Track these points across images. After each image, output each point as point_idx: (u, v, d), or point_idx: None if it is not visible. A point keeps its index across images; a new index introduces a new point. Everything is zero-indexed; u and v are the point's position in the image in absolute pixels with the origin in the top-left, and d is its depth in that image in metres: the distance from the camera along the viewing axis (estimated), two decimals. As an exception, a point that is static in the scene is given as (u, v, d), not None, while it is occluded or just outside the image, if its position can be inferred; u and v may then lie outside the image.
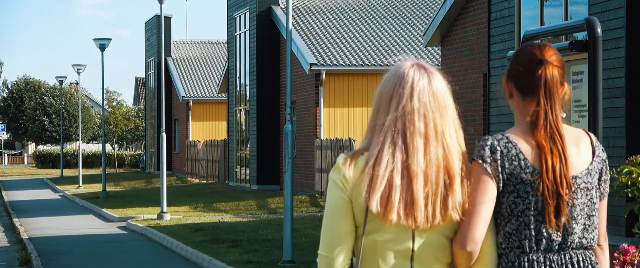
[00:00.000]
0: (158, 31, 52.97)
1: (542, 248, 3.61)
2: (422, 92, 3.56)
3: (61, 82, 57.11)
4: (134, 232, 23.41)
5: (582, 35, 5.80)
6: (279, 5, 35.96)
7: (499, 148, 3.62)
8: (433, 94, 3.57)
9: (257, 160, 35.84)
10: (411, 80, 3.57)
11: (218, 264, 15.70)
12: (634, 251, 5.85)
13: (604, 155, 3.75)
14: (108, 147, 78.99)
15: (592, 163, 3.68)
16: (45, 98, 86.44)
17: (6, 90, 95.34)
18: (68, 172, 65.18)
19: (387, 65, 33.06)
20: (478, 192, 3.56)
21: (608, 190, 3.78)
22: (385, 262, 3.55)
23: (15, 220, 26.84)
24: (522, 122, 3.71)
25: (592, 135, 3.78)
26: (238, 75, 39.04)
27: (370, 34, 35.45)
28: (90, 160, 78.57)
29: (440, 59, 25.79)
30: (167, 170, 35.84)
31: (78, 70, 49.07)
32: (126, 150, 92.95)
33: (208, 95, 53.02)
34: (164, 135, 26.28)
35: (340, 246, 3.55)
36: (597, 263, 3.71)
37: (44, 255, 18.34)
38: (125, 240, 21.46)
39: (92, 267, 17.06)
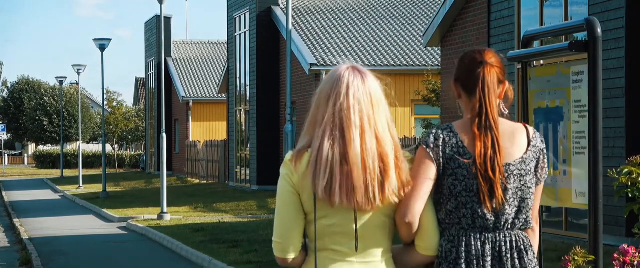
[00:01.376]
0: (158, 31, 52.97)
1: (478, 226, 4.11)
2: (356, 90, 4.02)
3: (61, 82, 57.09)
4: (134, 232, 23.41)
5: (581, 35, 5.78)
6: (279, 5, 35.95)
7: (441, 136, 4.13)
8: (366, 92, 4.03)
9: (257, 160, 35.83)
10: (346, 80, 4.04)
11: (218, 264, 15.70)
12: (634, 251, 5.84)
13: (542, 146, 4.22)
14: (108, 147, 78.98)
15: (526, 152, 4.17)
16: (45, 98, 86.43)
17: (6, 90, 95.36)
18: (68, 172, 65.17)
19: (387, 65, 33.06)
20: (419, 172, 4.08)
21: (545, 176, 4.25)
22: (333, 242, 4.06)
23: (15, 220, 26.84)
24: (467, 116, 4.20)
25: (531, 128, 4.26)
26: (238, 75, 39.03)
27: (370, 34, 35.44)
28: (90, 160, 78.55)
29: (440, 59, 25.78)
30: (167, 170, 35.88)
31: (78, 70, 49.05)
32: (126, 150, 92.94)
33: (208, 95, 53.01)
34: (164, 135, 26.27)
35: (290, 232, 4.06)
36: (530, 245, 4.17)
37: (44, 255, 18.33)
38: (125, 240, 21.46)
39: (92, 267, 17.06)
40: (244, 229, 20.93)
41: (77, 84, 59.73)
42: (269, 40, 36.07)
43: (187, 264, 17.02)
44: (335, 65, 32.49)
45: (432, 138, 4.13)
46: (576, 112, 5.69)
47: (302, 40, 34.10)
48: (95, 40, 37.85)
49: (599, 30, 5.45)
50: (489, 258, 4.11)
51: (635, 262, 5.81)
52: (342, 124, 4.00)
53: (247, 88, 37.69)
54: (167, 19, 53.67)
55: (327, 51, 33.57)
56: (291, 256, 4.10)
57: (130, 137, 77.16)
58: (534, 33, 6.16)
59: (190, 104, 53.00)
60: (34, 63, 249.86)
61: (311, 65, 32.22)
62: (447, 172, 4.11)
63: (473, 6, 21.70)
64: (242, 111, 38.76)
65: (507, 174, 4.11)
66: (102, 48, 37.76)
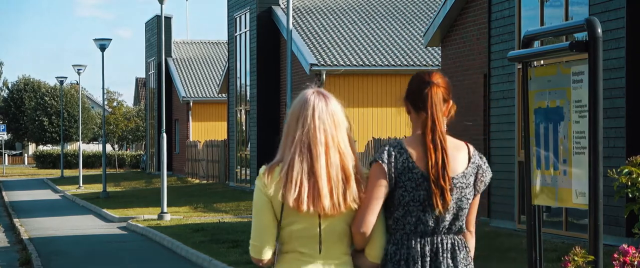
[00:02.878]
0: (158, 31, 52.95)
1: (419, 231, 4.71)
2: (321, 112, 4.69)
3: (61, 82, 57.08)
4: (134, 232, 23.41)
5: (582, 35, 5.78)
6: (279, 5, 35.94)
7: (393, 152, 4.72)
8: (330, 113, 4.70)
9: (257, 160, 35.81)
10: (312, 104, 4.70)
11: (218, 264, 15.70)
12: (634, 251, 5.84)
13: (480, 162, 4.82)
14: (108, 147, 78.97)
15: (467, 167, 4.77)
16: (45, 98, 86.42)
17: (6, 90, 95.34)
18: (68, 172, 65.15)
19: (387, 65, 33.06)
20: (373, 186, 4.67)
21: (483, 188, 4.82)
22: (300, 245, 4.68)
23: (15, 220, 26.84)
24: (415, 133, 4.81)
25: (471, 146, 4.85)
26: (238, 75, 39.03)
27: (370, 34, 35.43)
28: (91, 160, 78.53)
29: (440, 59, 25.78)
30: (167, 170, 35.87)
31: (78, 70, 49.06)
32: (126, 150, 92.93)
33: (208, 95, 52.99)
34: (164, 135, 26.27)
35: (265, 235, 4.69)
36: (464, 246, 4.78)
37: (44, 255, 18.33)
38: (125, 240, 21.46)
39: (92, 267, 17.06)
40: (244, 229, 20.93)
41: (78, 83, 59.75)
42: (269, 40, 36.05)
43: (187, 264, 17.02)
44: (336, 65, 32.62)
45: (385, 155, 4.72)
46: (576, 112, 5.69)
47: (302, 40, 34.08)
48: (95, 40, 37.85)
49: (599, 30, 5.45)
50: (427, 259, 4.72)
51: (635, 262, 5.80)
52: (309, 142, 4.67)
53: (247, 88, 37.69)
54: (168, 19, 53.66)
55: (327, 51, 33.57)
56: (266, 257, 4.71)
57: (130, 137, 77.14)
58: (535, 33, 6.16)
59: (191, 104, 52.97)
60: (34, 63, 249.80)
61: (311, 65, 32.20)
62: (398, 184, 4.70)
63: (473, 6, 21.69)
64: (242, 111, 38.77)
65: (450, 185, 4.72)
66: (103, 48, 37.76)
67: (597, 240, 5.49)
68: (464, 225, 4.81)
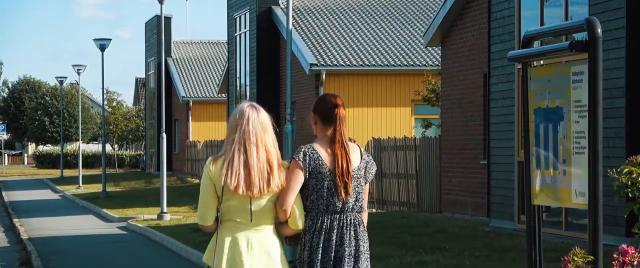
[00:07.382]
0: (158, 31, 52.93)
1: (330, 210, 6.45)
2: (253, 120, 6.31)
3: (61, 82, 57.07)
4: (134, 232, 23.41)
5: (582, 35, 5.78)
6: (279, 5, 35.93)
7: (307, 152, 6.44)
8: (260, 122, 6.31)
9: (257, 160, 35.76)
10: (247, 114, 6.32)
11: (218, 264, 15.67)
12: (633, 251, 5.83)
13: (369, 159, 6.57)
14: (108, 147, 78.93)
15: (360, 163, 6.51)
16: (45, 98, 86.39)
17: (6, 90, 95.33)
18: (68, 172, 65.12)
19: (387, 65, 33.05)
20: (292, 176, 6.36)
21: (370, 178, 6.56)
22: (236, 216, 6.33)
23: (15, 220, 26.84)
24: (322, 138, 6.50)
25: (361, 147, 6.59)
26: (238, 75, 39.02)
27: (370, 34, 35.42)
28: (90, 160, 78.49)
29: (440, 59, 25.76)
30: (167, 170, 35.84)
31: (78, 70, 49.04)
32: (126, 150, 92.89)
33: (208, 95, 52.98)
34: (164, 135, 26.26)
35: (207, 208, 6.36)
36: (362, 222, 6.52)
37: (44, 255, 18.33)
38: (125, 240, 21.46)
39: (92, 267, 17.06)
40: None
41: (77, 83, 59.73)
42: (269, 40, 36.03)
43: (187, 264, 17.03)
44: (336, 65, 32.64)
45: (301, 155, 6.41)
46: (576, 112, 5.68)
47: (302, 40, 34.07)
48: (95, 40, 37.83)
49: (599, 30, 5.45)
50: (335, 231, 6.43)
51: (635, 262, 5.80)
52: (244, 142, 6.26)
53: (247, 88, 37.68)
54: (167, 19, 53.63)
55: (327, 51, 33.56)
56: (208, 223, 6.37)
57: (130, 137, 77.12)
58: (534, 33, 6.16)
59: (190, 104, 52.96)
60: (34, 63, 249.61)
61: (311, 65, 32.19)
62: (312, 175, 6.39)
63: (473, 6, 21.69)
64: (242, 111, 38.72)
65: (351, 180, 6.43)
66: (102, 48, 37.74)
67: (597, 240, 5.49)
68: (362, 205, 6.54)
